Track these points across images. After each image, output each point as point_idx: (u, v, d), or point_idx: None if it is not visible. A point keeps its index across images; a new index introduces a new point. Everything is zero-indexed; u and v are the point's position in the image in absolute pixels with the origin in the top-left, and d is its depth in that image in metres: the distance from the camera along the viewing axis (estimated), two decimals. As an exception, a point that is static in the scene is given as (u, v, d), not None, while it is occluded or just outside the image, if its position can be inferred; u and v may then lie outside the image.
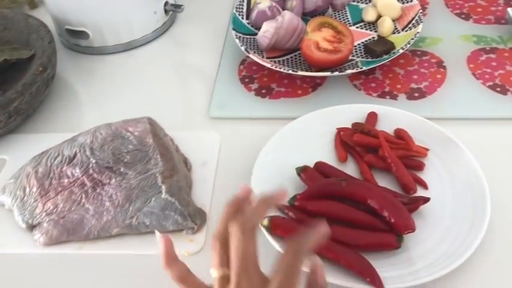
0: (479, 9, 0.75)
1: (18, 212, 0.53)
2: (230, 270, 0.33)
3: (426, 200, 0.49)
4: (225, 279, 0.34)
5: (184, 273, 0.37)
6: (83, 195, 0.51)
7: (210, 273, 0.35)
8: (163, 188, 0.50)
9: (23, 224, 0.52)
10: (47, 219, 0.51)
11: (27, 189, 0.53)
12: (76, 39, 0.77)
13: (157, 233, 0.38)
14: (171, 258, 0.37)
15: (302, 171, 0.52)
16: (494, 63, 0.66)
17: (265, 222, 0.47)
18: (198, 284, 0.37)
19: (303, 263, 0.33)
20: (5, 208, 0.55)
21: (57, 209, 0.51)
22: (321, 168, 0.53)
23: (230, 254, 0.34)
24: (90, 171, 0.52)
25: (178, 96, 0.70)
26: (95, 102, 0.71)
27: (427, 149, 0.54)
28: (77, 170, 0.52)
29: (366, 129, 0.55)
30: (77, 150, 0.53)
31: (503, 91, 0.62)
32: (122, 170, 0.51)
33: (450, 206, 0.50)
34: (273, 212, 0.49)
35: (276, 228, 0.47)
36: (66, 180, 0.52)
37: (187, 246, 0.50)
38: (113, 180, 0.51)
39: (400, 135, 0.56)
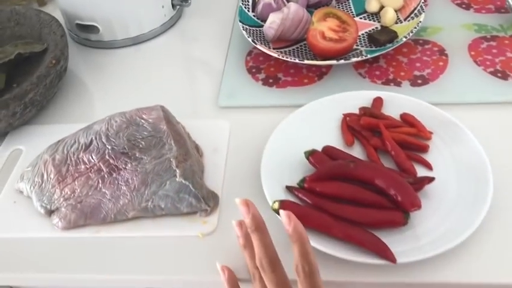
0: (479, -1, 0.77)
1: (36, 198, 0.55)
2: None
3: (431, 179, 0.51)
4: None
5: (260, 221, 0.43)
6: (100, 180, 0.53)
7: None
8: (178, 171, 0.51)
9: (41, 209, 0.54)
10: (65, 204, 0.53)
11: (45, 176, 0.55)
12: (86, 34, 0.79)
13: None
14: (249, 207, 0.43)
15: (310, 154, 0.54)
16: (494, 51, 0.68)
17: (276, 205, 0.48)
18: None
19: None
20: (24, 195, 0.57)
21: (74, 194, 0.53)
22: (328, 151, 0.55)
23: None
24: (107, 157, 0.53)
25: (188, 87, 0.72)
26: (105, 94, 0.73)
27: (431, 132, 0.56)
28: (93, 156, 0.54)
29: (373, 113, 0.57)
30: (93, 138, 0.55)
31: (504, 76, 0.63)
32: (137, 155, 0.53)
33: (454, 186, 0.51)
34: (283, 196, 0.51)
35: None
36: (83, 167, 0.54)
37: (201, 228, 0.52)
38: (129, 165, 0.53)
39: (407, 119, 0.57)
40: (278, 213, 0.48)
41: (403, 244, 0.47)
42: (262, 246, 0.41)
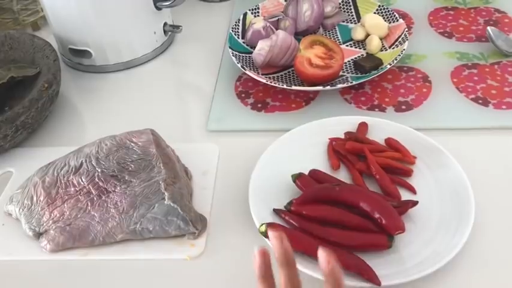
0: (461, 28, 0.80)
1: (25, 220, 0.55)
2: None
3: (414, 203, 0.52)
4: None
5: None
6: (89, 203, 0.53)
7: None
8: (166, 194, 0.52)
9: (30, 232, 0.54)
10: (54, 227, 0.54)
11: (35, 198, 0.55)
12: (79, 58, 0.80)
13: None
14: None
15: (297, 178, 0.55)
16: (476, 78, 0.70)
17: (263, 228, 0.49)
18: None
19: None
20: (12, 217, 0.57)
21: (63, 216, 0.54)
22: (315, 175, 0.56)
23: None
24: (96, 179, 0.54)
25: (178, 111, 0.73)
26: (97, 118, 0.74)
27: (415, 157, 0.58)
28: (83, 179, 0.54)
29: (358, 137, 0.58)
30: (83, 160, 0.56)
31: (485, 103, 0.66)
32: (126, 178, 0.54)
33: (437, 209, 0.53)
34: (270, 219, 0.52)
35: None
36: (72, 189, 0.54)
37: (189, 251, 0.52)
38: (118, 188, 0.53)
39: (391, 144, 0.59)
40: (265, 236, 0.49)
41: (388, 267, 0.48)
42: (290, 282, 0.39)
